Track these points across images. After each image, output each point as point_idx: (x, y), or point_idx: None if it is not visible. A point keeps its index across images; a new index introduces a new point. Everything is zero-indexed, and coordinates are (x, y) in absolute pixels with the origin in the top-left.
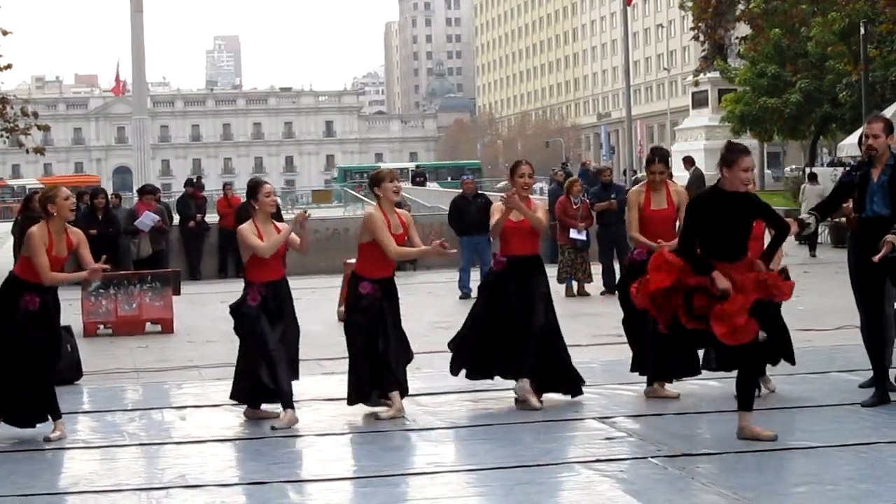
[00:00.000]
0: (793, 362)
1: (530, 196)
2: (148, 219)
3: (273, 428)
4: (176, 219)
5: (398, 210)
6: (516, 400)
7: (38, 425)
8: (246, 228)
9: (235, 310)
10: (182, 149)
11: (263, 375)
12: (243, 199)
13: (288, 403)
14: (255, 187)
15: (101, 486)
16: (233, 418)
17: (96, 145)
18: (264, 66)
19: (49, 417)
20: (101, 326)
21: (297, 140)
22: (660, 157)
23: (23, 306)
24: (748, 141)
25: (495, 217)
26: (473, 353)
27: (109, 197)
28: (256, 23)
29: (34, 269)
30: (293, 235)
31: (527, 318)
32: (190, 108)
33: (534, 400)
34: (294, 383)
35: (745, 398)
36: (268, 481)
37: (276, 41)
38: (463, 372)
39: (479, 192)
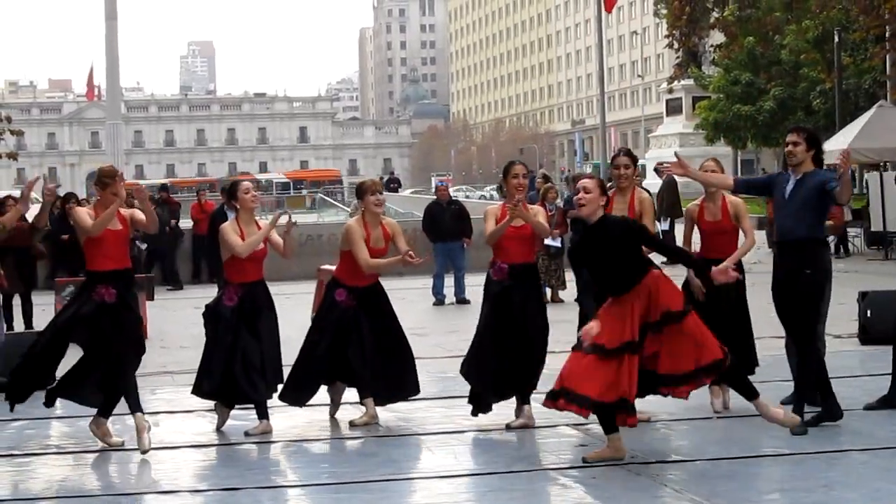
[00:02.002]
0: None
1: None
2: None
3: (247, 434)
4: None
5: (385, 220)
6: (508, 426)
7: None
8: (227, 227)
9: (211, 309)
10: (156, 154)
11: (240, 380)
12: (217, 205)
13: (263, 414)
14: (232, 187)
15: (75, 492)
16: (206, 424)
17: (70, 150)
18: (238, 72)
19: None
20: None
21: (271, 146)
22: (625, 152)
23: (97, 298)
24: (722, 149)
25: (490, 223)
26: (492, 378)
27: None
28: (231, 28)
29: (97, 252)
30: (276, 237)
31: (534, 340)
32: (164, 114)
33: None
34: None
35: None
36: (242, 487)
37: (251, 47)
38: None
39: (454, 198)
